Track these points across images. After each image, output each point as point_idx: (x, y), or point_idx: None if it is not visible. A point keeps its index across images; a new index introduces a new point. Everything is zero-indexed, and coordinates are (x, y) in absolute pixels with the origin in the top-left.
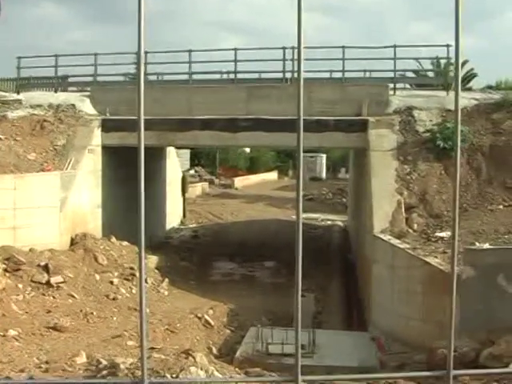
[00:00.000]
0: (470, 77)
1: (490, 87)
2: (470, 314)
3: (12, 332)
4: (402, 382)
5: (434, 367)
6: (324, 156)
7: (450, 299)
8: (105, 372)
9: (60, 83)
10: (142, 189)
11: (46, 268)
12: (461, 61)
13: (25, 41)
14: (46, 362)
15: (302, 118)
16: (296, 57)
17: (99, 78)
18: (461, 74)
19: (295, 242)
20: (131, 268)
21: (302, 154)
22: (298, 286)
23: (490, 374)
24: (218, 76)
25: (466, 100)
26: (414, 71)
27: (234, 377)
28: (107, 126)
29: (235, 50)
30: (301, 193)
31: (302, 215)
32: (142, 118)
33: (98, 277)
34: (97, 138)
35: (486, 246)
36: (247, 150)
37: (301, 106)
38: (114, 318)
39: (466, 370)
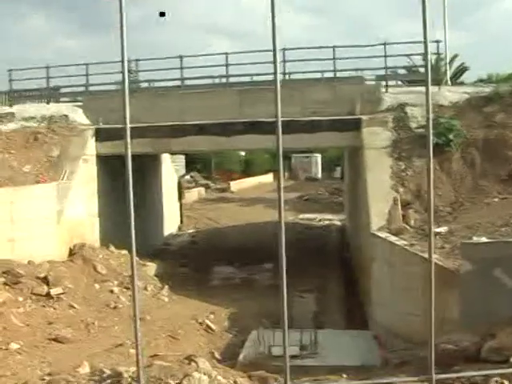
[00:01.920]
0: (460, 71)
1: (481, 81)
2: (469, 308)
3: (14, 345)
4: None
5: (436, 362)
6: (319, 156)
7: (448, 296)
8: (108, 381)
9: (52, 94)
10: (131, 196)
11: (45, 280)
12: (451, 55)
13: (14, 53)
14: (49, 374)
15: (280, 119)
16: (287, 58)
17: (91, 88)
18: (452, 68)
19: (278, 242)
20: (130, 276)
21: (281, 156)
22: (283, 287)
23: (473, 376)
24: (209, 81)
25: (458, 94)
26: (405, 68)
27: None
28: (101, 135)
29: (226, 54)
30: (282, 194)
31: (300, 216)
32: (128, 126)
33: (97, 286)
34: (91, 147)
35: (483, 239)
36: (242, 153)
37: (278, 107)
38: (116, 327)
39: (448, 375)
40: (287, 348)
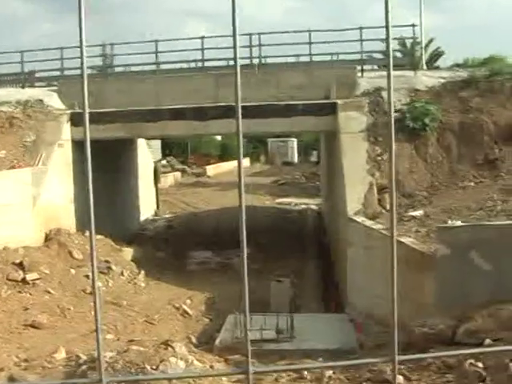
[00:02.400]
0: (436, 55)
1: (457, 65)
2: (445, 292)
3: None
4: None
5: (411, 346)
6: (295, 140)
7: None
8: (85, 367)
9: (27, 79)
10: (90, 183)
11: (21, 265)
12: (426, 39)
13: None
14: (26, 360)
15: (239, 104)
16: (264, 42)
17: (66, 72)
18: (427, 52)
19: (240, 226)
20: (107, 261)
21: (241, 140)
22: (244, 272)
23: (437, 357)
24: (185, 65)
25: (434, 79)
26: (381, 52)
27: (196, 371)
28: (76, 120)
29: (202, 38)
30: (242, 177)
31: (276, 200)
32: (87, 110)
33: (73, 271)
34: (66, 132)
35: (459, 223)
36: (218, 137)
37: (238, 92)
38: (92, 312)
39: (410, 356)
40: (248, 339)
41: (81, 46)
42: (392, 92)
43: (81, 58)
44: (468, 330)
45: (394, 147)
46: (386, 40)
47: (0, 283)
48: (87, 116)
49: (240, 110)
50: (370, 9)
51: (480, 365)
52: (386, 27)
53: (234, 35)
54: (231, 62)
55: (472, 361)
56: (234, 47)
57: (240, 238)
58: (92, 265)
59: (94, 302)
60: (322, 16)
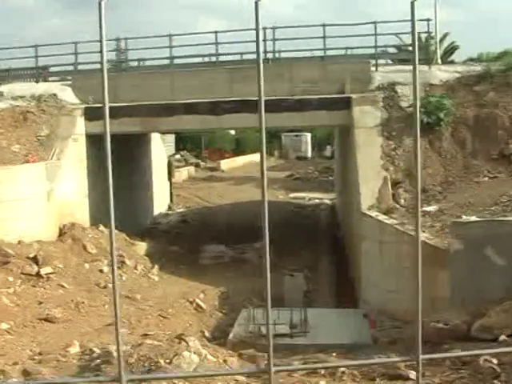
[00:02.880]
0: (451, 50)
1: (471, 60)
2: (459, 287)
3: (4, 325)
4: (394, 356)
5: (425, 341)
6: (309, 135)
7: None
8: (98, 361)
9: (41, 73)
10: (110, 178)
11: (35, 259)
12: (441, 34)
13: (1, 32)
14: (40, 354)
15: (263, 98)
16: (277, 36)
17: (80, 67)
18: (442, 47)
19: (262, 219)
20: (120, 255)
21: (264, 135)
22: (267, 269)
23: (459, 357)
24: (199, 59)
25: (449, 73)
26: (396, 47)
27: (215, 368)
28: (90, 115)
29: (216, 32)
30: (265, 172)
31: (290, 195)
32: (107, 105)
33: (87, 266)
34: (80, 126)
35: (473, 218)
36: (232, 131)
37: (261, 86)
38: (106, 307)
39: (433, 355)
40: (271, 340)
41: (101, 41)
42: (418, 87)
43: (100, 52)
44: (482, 325)
45: (419, 150)
46: (412, 33)
47: (14, 277)
48: (107, 110)
49: (263, 104)
50: (380, 3)
51: (494, 361)
52: (412, 20)
53: (256, 29)
54: (245, 57)
55: (487, 357)
56: (257, 41)
57: (263, 233)
58: (112, 261)
59: (114, 301)
60: (331, 11)
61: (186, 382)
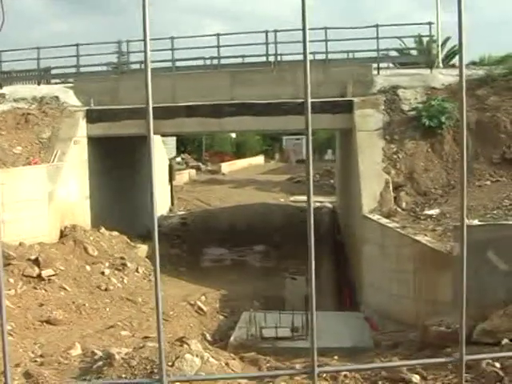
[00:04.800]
0: (453, 53)
1: (473, 63)
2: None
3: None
4: (396, 360)
5: (427, 345)
6: None
7: (459, 279)
8: (100, 363)
9: (43, 76)
10: (154, 175)
11: (36, 261)
12: (443, 38)
13: (4, 34)
14: (41, 356)
15: (309, 99)
16: (279, 40)
17: (82, 69)
18: (444, 50)
19: (307, 227)
20: (122, 258)
21: (310, 137)
22: (312, 272)
23: (504, 357)
24: (201, 62)
25: (450, 77)
26: (397, 50)
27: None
28: (92, 117)
29: (218, 35)
30: (311, 176)
31: (291, 198)
32: (151, 105)
33: (88, 268)
34: (82, 129)
35: (476, 222)
36: (233, 135)
37: (308, 87)
38: (107, 309)
39: (478, 356)
40: (315, 338)
41: (144, 39)
42: (464, 93)
43: (144, 52)
44: (484, 329)
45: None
46: (459, 35)
47: (15, 279)
48: (151, 110)
49: (310, 106)
50: (382, 7)
51: (497, 365)
52: (459, 15)
53: (303, 27)
54: (246, 60)
55: (489, 361)
56: (304, 40)
57: (308, 236)
58: (155, 270)
59: (157, 308)
60: (334, 14)
61: None
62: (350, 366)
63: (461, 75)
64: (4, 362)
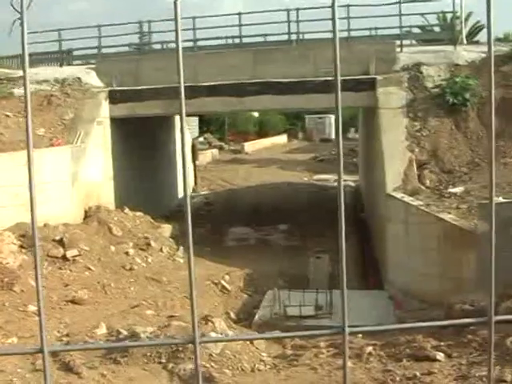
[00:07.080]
0: (476, 30)
1: (498, 39)
2: (486, 268)
3: (32, 307)
4: (420, 338)
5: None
6: (332, 117)
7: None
8: (125, 342)
9: (65, 57)
10: (184, 156)
11: (61, 242)
12: (465, 13)
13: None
14: (67, 335)
15: (339, 77)
16: (300, 18)
17: (104, 50)
18: (467, 27)
19: (338, 206)
20: (146, 238)
21: (340, 117)
22: (343, 251)
23: (476, 334)
24: (223, 41)
25: (475, 53)
26: (420, 27)
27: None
28: (114, 98)
29: (239, 14)
30: (341, 157)
31: (314, 177)
32: (183, 85)
33: (113, 248)
34: (105, 109)
35: (500, 199)
36: (256, 114)
37: (337, 65)
38: (132, 289)
39: (508, 316)
40: (345, 297)
41: (176, 20)
42: (493, 71)
43: (176, 31)
44: (509, 307)
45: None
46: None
47: (41, 260)
48: (183, 91)
49: (339, 85)
50: None
51: None
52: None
53: (332, 5)
54: (268, 38)
55: None
56: (333, 17)
57: (338, 215)
58: (189, 253)
59: (190, 284)
60: None
61: (211, 362)
62: (380, 327)
63: (489, 52)
64: (41, 341)
